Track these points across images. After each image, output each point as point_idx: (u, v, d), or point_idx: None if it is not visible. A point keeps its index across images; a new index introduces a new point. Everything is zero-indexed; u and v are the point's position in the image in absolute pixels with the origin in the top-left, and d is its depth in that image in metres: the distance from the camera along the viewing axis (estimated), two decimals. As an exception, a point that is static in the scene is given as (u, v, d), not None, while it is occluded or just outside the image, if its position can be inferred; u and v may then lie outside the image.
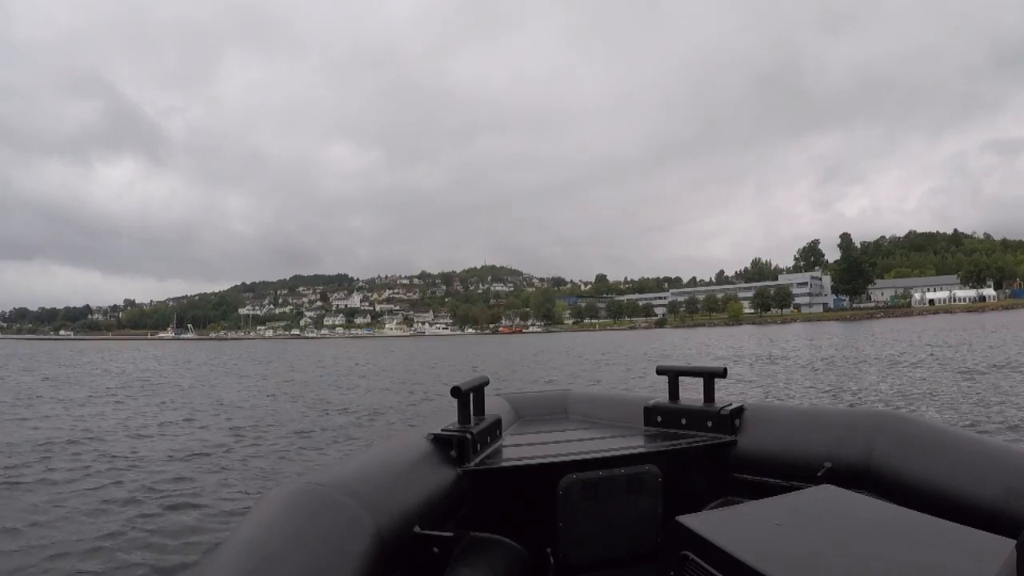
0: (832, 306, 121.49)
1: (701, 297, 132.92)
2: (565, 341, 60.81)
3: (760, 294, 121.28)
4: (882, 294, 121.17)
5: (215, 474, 7.04)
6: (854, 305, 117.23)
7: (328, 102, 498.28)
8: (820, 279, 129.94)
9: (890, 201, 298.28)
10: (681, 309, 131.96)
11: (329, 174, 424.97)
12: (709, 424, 2.21)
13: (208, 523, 5.26)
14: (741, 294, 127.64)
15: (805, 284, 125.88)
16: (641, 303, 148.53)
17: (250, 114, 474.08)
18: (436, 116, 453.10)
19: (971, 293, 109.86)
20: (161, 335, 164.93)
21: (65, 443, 9.05)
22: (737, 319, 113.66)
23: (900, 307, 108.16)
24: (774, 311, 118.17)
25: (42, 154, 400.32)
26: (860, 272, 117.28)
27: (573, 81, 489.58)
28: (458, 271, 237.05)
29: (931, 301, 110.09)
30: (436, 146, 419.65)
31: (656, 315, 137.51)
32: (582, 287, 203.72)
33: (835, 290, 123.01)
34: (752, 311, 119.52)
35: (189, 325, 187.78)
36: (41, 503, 5.90)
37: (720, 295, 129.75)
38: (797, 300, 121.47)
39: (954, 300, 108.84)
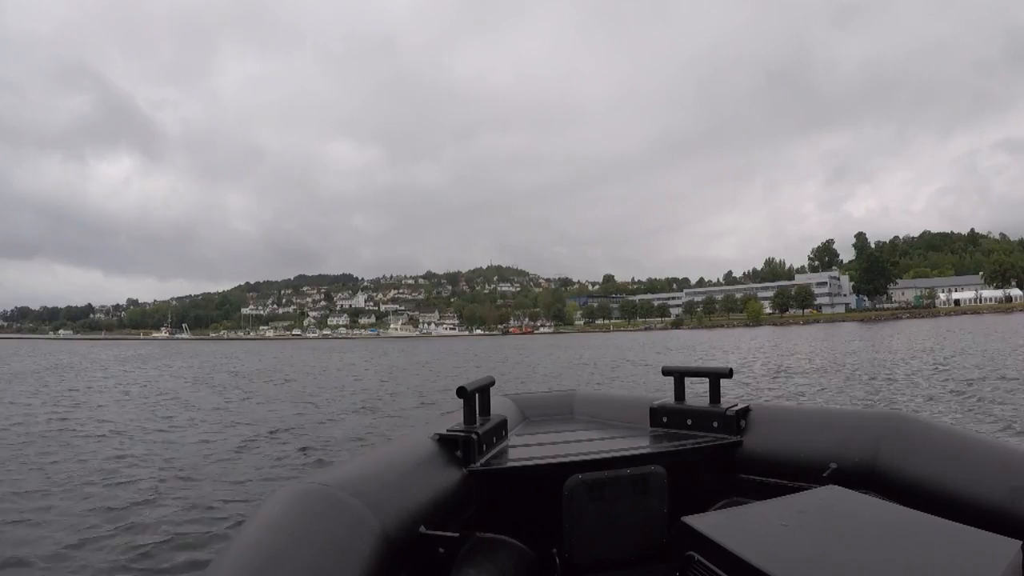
0: (854, 306, 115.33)
1: (719, 297, 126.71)
2: (595, 343, 54.08)
3: (780, 294, 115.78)
4: (903, 294, 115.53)
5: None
6: (877, 306, 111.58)
7: (327, 98, 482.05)
8: (838, 279, 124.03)
9: (899, 201, 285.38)
10: (698, 309, 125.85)
11: (329, 172, 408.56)
12: (715, 425, 2.20)
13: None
14: (760, 294, 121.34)
15: (824, 284, 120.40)
16: (656, 303, 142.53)
17: (247, 110, 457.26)
18: (437, 112, 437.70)
19: (998, 293, 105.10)
20: (155, 335, 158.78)
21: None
22: (757, 320, 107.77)
23: (925, 307, 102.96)
24: (792, 312, 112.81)
25: (37, 150, 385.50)
26: (881, 271, 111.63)
27: (577, 76, 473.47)
28: (464, 271, 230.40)
29: (956, 301, 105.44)
30: (437, 143, 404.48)
31: (671, 316, 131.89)
32: (590, 287, 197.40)
33: (856, 290, 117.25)
34: (770, 312, 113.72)
35: (184, 325, 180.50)
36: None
37: (739, 295, 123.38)
38: (816, 300, 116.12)
39: (980, 300, 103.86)
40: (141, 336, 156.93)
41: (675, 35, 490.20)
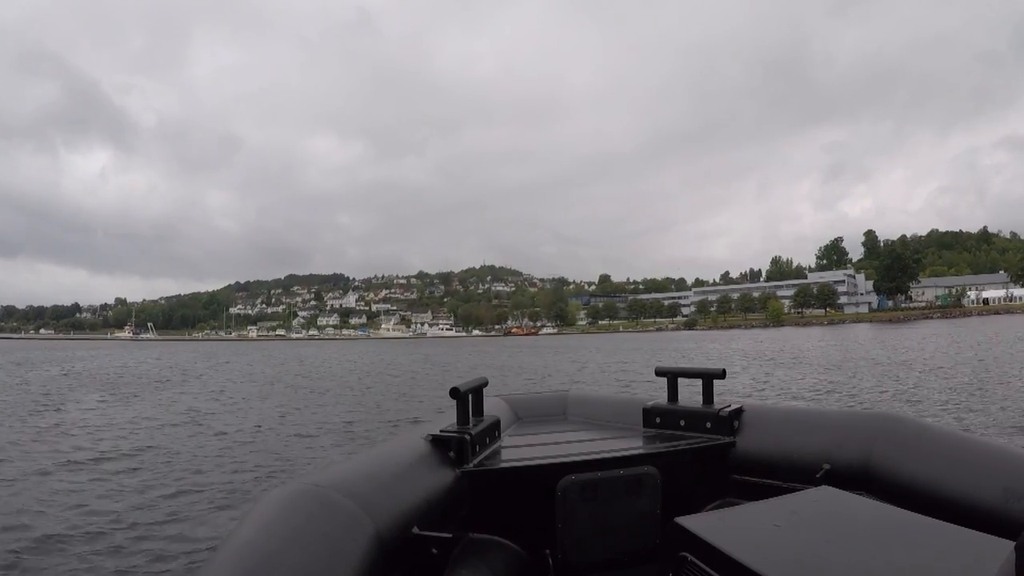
0: (876, 306, 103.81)
1: (735, 296, 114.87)
2: (638, 345, 40.99)
3: (801, 292, 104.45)
4: (923, 293, 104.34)
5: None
6: (900, 305, 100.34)
7: (306, 90, 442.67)
8: (854, 277, 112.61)
9: (896, 200, 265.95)
10: (712, 308, 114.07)
11: (312, 167, 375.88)
12: (708, 425, 2.14)
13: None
14: (778, 293, 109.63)
15: (841, 282, 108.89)
16: (666, 303, 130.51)
17: (225, 103, 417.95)
18: (419, 105, 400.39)
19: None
20: (119, 335, 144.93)
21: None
22: (778, 320, 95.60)
23: (954, 307, 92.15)
24: (809, 312, 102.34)
25: (6, 141, 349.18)
26: (904, 269, 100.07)
27: (564, 68, 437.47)
28: (456, 271, 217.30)
29: (985, 300, 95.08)
30: (421, 138, 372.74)
31: (682, 315, 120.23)
32: (586, 287, 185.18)
33: (877, 288, 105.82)
34: (787, 312, 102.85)
35: (149, 325, 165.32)
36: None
37: (756, 294, 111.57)
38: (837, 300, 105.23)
39: (1011, 299, 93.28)
40: (108, 336, 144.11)
41: (668, 25, 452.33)
